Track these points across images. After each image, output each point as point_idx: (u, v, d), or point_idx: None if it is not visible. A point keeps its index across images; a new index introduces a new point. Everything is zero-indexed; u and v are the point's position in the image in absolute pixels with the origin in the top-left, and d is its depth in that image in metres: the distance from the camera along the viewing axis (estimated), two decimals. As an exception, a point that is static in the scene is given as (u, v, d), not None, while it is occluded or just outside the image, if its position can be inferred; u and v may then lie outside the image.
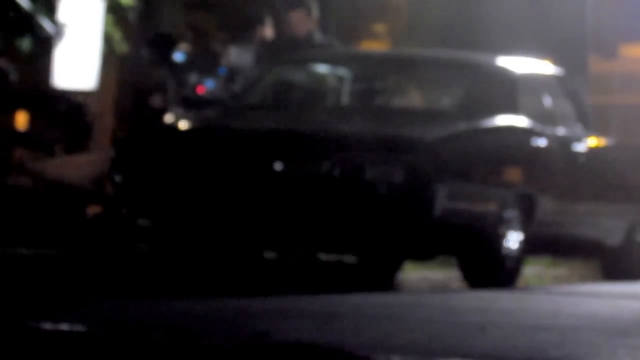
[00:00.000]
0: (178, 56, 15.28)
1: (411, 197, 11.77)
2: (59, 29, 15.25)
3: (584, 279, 13.82)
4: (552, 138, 13.18)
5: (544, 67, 14.44)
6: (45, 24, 15.03)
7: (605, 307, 10.64)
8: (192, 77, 15.12)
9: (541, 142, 13.04)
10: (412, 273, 13.01)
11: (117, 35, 17.44)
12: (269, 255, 13.14)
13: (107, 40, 17.02)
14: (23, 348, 7.27)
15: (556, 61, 15.07)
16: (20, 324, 7.84)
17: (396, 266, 13.25)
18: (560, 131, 13.44)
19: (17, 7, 14.58)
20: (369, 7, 23.00)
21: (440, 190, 11.82)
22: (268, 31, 16.43)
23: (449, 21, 22.92)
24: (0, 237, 12.98)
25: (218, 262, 12.53)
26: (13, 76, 14.75)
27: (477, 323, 8.98)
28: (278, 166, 12.06)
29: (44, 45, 15.11)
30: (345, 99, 13.98)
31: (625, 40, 21.48)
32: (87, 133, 15.89)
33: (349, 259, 13.09)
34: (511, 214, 12.31)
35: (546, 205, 12.70)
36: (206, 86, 14.93)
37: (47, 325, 7.67)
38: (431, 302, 11.17)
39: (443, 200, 11.83)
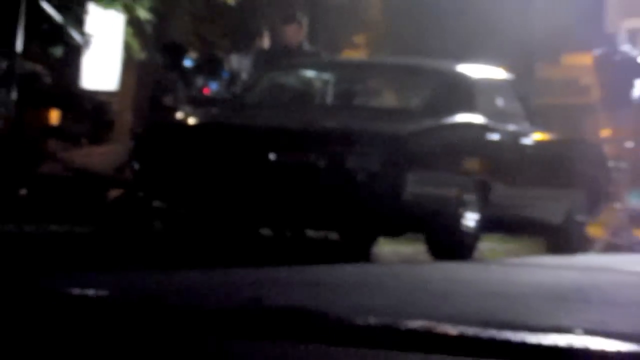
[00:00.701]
0: (187, 62, 15.24)
1: (385, 183, 11.78)
2: (86, 38, 15.21)
3: (530, 252, 13.81)
4: (504, 133, 13.21)
5: (498, 73, 14.45)
6: (74, 34, 14.99)
7: (548, 277, 10.66)
8: (199, 80, 15.08)
9: (495, 137, 13.07)
10: (385, 248, 12.99)
11: (135, 44, 17.39)
12: (265, 232, 13.11)
13: (127, 48, 16.97)
14: (54, 311, 7.30)
15: (508, 68, 15.08)
16: (52, 290, 7.87)
17: (371, 242, 13.26)
18: (511, 127, 13.46)
19: (51, 20, 14.55)
20: (350, 21, 22.97)
21: (409, 177, 11.84)
22: (265, 41, 16.43)
23: (419, 33, 22.87)
24: (35, 216, 12.97)
25: (220, 238, 12.52)
26: (47, 79, 14.70)
27: (440, 290, 8.99)
28: (272, 156, 12.05)
29: (73, 52, 15.07)
30: (329, 100, 13.97)
31: (565, 51, 21.46)
32: (109, 127, 15.87)
33: (333, 235, 13.06)
34: (469, 197, 12.32)
35: (499, 190, 12.72)
36: (211, 88, 14.90)
37: (76, 291, 7.69)
38: (402, 272, 11.18)
39: (411, 185, 11.84)
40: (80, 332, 6.81)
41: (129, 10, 16.78)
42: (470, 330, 7.23)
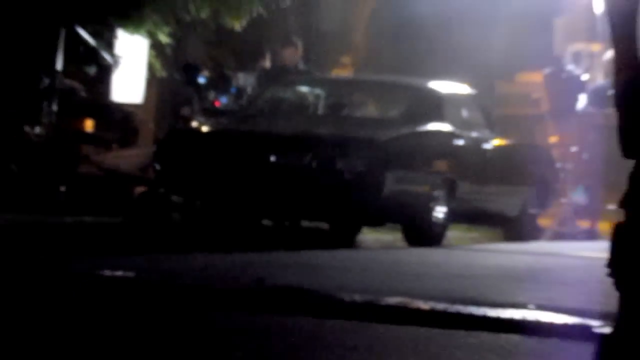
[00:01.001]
0: (201, 79, 15.22)
1: (367, 181, 11.79)
2: (115, 59, 15.20)
3: (490, 240, 13.80)
4: (468, 139, 13.21)
5: (463, 88, 14.45)
6: (106, 56, 14.99)
7: (505, 261, 10.64)
8: (211, 94, 15.07)
9: (460, 142, 13.07)
10: (368, 236, 12.99)
11: (157, 64, 17.37)
12: (266, 222, 13.09)
13: (150, 67, 16.95)
14: (89, 290, 7.27)
15: (472, 84, 15.07)
16: (86, 272, 7.83)
17: (356, 231, 13.25)
18: (474, 134, 13.47)
19: (86, 44, 14.54)
20: (337, 44, 22.92)
21: (388, 176, 11.85)
22: (266, 62, 16.41)
23: (396, 54, 22.86)
24: (72, 208, 12.95)
25: (228, 227, 12.51)
26: (82, 93, 14.69)
27: (414, 272, 8.98)
28: (272, 158, 12.06)
29: (105, 71, 15.06)
30: (321, 111, 13.95)
31: (519, 70, 21.42)
32: (134, 134, 15.85)
33: (323, 225, 13.04)
34: (438, 193, 12.33)
35: (463, 187, 12.72)
36: (221, 101, 14.90)
37: (106, 273, 7.66)
38: (382, 257, 11.17)
39: (390, 183, 11.85)
40: (109, 307, 6.78)
41: (151, 35, 16.77)
42: (440, 306, 7.22)
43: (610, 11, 3.40)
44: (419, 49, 22.38)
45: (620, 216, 3.45)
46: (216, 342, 5.73)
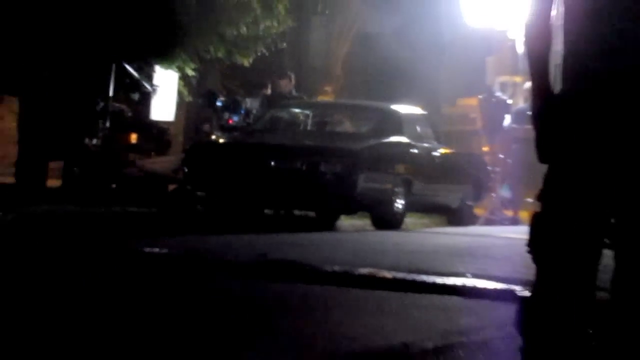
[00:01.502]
0: (218, 103, 15.20)
1: (345, 180, 11.79)
2: (153, 88, 15.21)
3: (437, 224, 13.81)
4: (421, 148, 13.22)
5: (417, 110, 14.47)
6: (146, 85, 14.98)
7: (449, 240, 10.64)
8: (225, 115, 15.05)
9: (415, 150, 13.07)
10: (345, 221, 12.99)
11: (185, 91, 17.39)
12: (268, 211, 13.09)
13: (179, 94, 16.97)
14: (135, 263, 7.27)
15: (423, 107, 15.10)
16: (131, 249, 7.83)
17: (336, 217, 13.25)
18: (425, 144, 13.48)
19: (131, 76, 14.54)
20: (321, 76, 22.96)
21: (360, 176, 11.86)
22: (268, 90, 16.40)
23: (366, 84, 22.91)
24: (120, 201, 12.93)
25: (239, 215, 12.49)
26: (128, 114, 14.70)
27: (380, 249, 8.98)
28: (272, 163, 12.06)
29: (145, 96, 15.06)
30: (309, 127, 13.93)
31: (459, 96, 21.46)
32: (168, 145, 15.85)
33: (311, 214, 13.04)
34: (398, 189, 12.34)
35: (417, 185, 12.72)
36: (233, 119, 14.87)
37: (147, 249, 7.66)
38: (355, 237, 11.17)
39: (361, 182, 11.86)
40: (151, 276, 6.74)
41: (180, 69, 16.77)
42: (400, 275, 7.18)
43: (528, 52, 3.40)
44: (384, 80, 22.42)
45: (537, 207, 3.44)
46: (230, 301, 5.77)
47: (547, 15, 3.33)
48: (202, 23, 16.36)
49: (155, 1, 14.75)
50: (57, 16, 13.29)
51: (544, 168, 3.40)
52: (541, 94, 3.35)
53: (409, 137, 13.15)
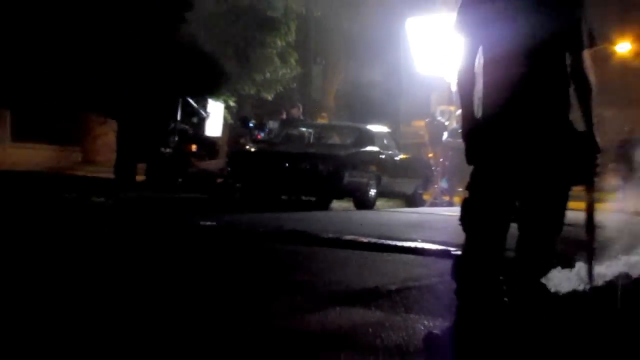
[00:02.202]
0: (250, 124, 15.18)
1: (335, 176, 11.74)
2: (207, 114, 15.12)
3: (399, 206, 13.77)
4: (387, 154, 13.13)
5: (384, 128, 14.41)
6: (202, 112, 14.92)
7: (406, 217, 10.61)
8: (255, 132, 15.02)
9: (383, 156, 12.99)
10: (335, 204, 12.96)
11: (228, 116, 17.33)
12: (284, 197, 13.06)
13: (224, 117, 16.92)
14: (195, 232, 7.26)
15: (389, 126, 15.08)
16: (192, 222, 7.82)
17: (329, 201, 13.19)
18: (390, 152, 13.37)
19: (192, 106, 14.50)
20: (319, 106, 22.92)
21: (346, 173, 11.80)
22: (283, 115, 16.37)
23: (350, 111, 22.88)
24: (184, 190, 12.91)
25: (264, 200, 12.46)
26: (190, 131, 14.63)
27: (358, 222, 8.97)
28: (287, 165, 12.01)
29: (202, 120, 14.99)
30: (311, 141, 13.87)
31: (412, 119, 21.45)
32: (216, 152, 15.76)
33: (312, 199, 13.01)
34: (372, 182, 12.28)
35: (385, 179, 12.65)
36: (260, 135, 14.83)
37: (202, 222, 7.65)
38: (342, 214, 11.14)
39: (347, 177, 11.79)
40: (205, 240, 6.67)
41: (225, 101, 16.73)
42: (373, 240, 7.13)
43: (459, 90, 3.40)
44: (362, 108, 22.37)
45: (465, 194, 3.43)
46: (258, 257, 5.79)
47: (472, 66, 3.33)
48: (240, 71, 16.35)
49: (208, 58, 14.73)
50: (144, 69, 13.28)
51: (469, 168, 3.40)
52: (468, 119, 3.35)
53: (379, 147, 13.10)
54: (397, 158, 13.61)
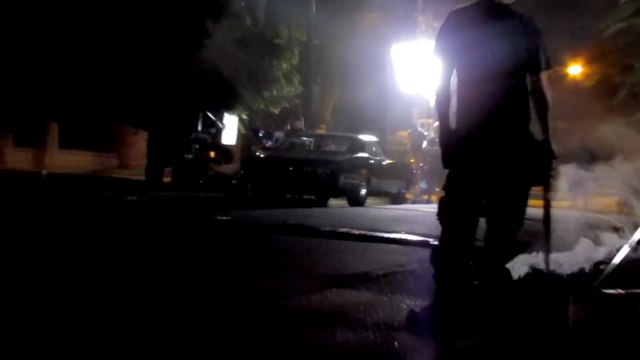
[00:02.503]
0: (260, 134, 15.15)
1: (332, 177, 11.73)
2: (224, 125, 15.05)
3: (385, 203, 13.76)
4: (375, 160, 13.11)
5: (373, 137, 14.39)
6: (219, 123, 14.86)
7: (391, 212, 10.61)
8: (264, 140, 14.99)
9: (372, 161, 12.96)
10: (332, 201, 12.94)
11: (241, 127, 17.28)
12: (289, 196, 13.05)
13: (238, 129, 16.88)
14: (212, 224, 7.25)
15: (377, 135, 15.06)
16: (205, 217, 7.81)
17: (326, 199, 13.16)
18: (378, 157, 13.36)
19: (210, 118, 14.43)
20: (318, 118, 22.88)
21: (341, 175, 11.79)
22: (288, 126, 16.34)
23: (345, 122, 22.85)
24: (204, 190, 12.87)
25: (272, 199, 12.44)
26: (209, 140, 14.56)
27: (351, 217, 8.96)
28: (291, 168, 11.99)
29: (219, 130, 14.93)
30: (311, 148, 13.86)
31: (397, 130, 21.43)
32: (231, 158, 15.71)
33: (312, 197, 13.00)
34: (363, 182, 12.26)
35: (373, 180, 12.64)
36: (268, 144, 14.80)
37: (220, 217, 7.64)
38: (338, 211, 11.10)
39: (342, 179, 11.78)
40: (220, 231, 6.66)
41: (238, 115, 16.69)
42: (363, 232, 7.10)
43: (437, 105, 3.39)
44: (355, 120, 22.32)
45: (442, 193, 3.43)
46: (264, 246, 5.76)
47: (448, 86, 3.32)
48: (251, 89, 16.32)
49: (224, 78, 14.68)
50: (170, 88, 13.23)
51: (445, 171, 3.40)
52: (444, 130, 3.35)
53: (368, 153, 13.08)
54: (383, 163, 13.59)
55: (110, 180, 14.02)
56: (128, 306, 3.28)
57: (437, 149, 3.65)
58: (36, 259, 4.49)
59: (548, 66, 3.34)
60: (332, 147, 14.09)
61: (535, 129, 3.33)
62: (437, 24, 3.51)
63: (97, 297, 3.43)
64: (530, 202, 3.35)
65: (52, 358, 2.50)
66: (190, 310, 3.28)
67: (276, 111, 18.29)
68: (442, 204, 3.37)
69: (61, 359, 2.49)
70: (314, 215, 8.84)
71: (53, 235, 5.78)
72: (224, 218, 7.63)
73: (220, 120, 15.20)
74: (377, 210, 11.27)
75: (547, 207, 3.44)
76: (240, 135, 17.75)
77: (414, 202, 14.69)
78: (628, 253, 4.70)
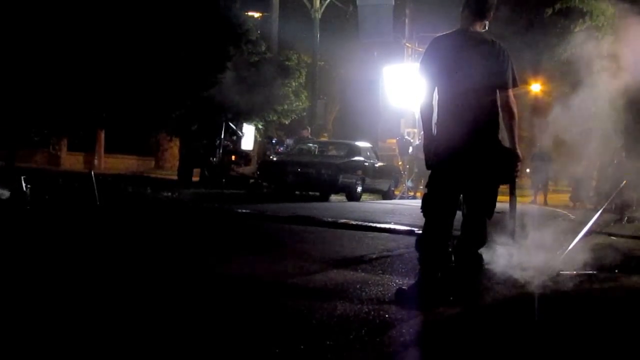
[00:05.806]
0: (274, 141, 15.13)
1: (333, 178, 11.72)
2: (243, 133, 15.01)
3: (377, 199, 13.74)
4: (369, 163, 13.04)
5: (367, 144, 14.35)
6: (239, 132, 14.82)
7: (383, 206, 10.60)
8: (276, 146, 14.96)
9: (366, 164, 12.91)
10: (333, 197, 12.92)
11: (258, 135, 17.26)
12: (297, 193, 13.02)
13: (255, 136, 16.85)
14: (233, 216, 7.24)
15: (370, 142, 15.01)
16: (228, 210, 7.81)
17: (328, 195, 13.12)
18: (371, 160, 13.29)
19: (231, 127, 14.40)
20: (322, 128, 22.81)
21: (340, 176, 11.78)
22: (298, 135, 16.31)
23: (344, 130, 22.80)
24: (227, 188, 12.86)
25: (283, 195, 12.42)
26: (230, 146, 14.52)
27: (349, 210, 8.95)
28: (299, 170, 11.97)
29: (239, 138, 14.88)
30: (316, 153, 13.82)
31: (387, 137, 21.38)
32: (250, 161, 15.66)
33: (317, 194, 12.97)
34: (358, 181, 12.24)
35: (368, 180, 12.60)
36: (280, 149, 14.78)
37: (238, 210, 7.63)
38: (338, 205, 11.06)
39: (341, 178, 11.77)
40: (241, 222, 6.63)
41: (255, 125, 16.65)
42: (359, 222, 7.08)
43: (421, 116, 3.39)
44: (352, 130, 22.26)
45: (425, 190, 3.43)
46: (276, 234, 5.74)
47: (430, 100, 3.32)
48: (265, 104, 16.28)
49: (243, 95, 14.64)
50: (199, 103, 13.19)
51: (428, 172, 3.40)
52: (427, 137, 3.34)
53: (363, 157, 13.04)
54: (376, 165, 13.57)
55: (148, 179, 14.02)
56: (164, 273, 3.35)
57: (422, 153, 3.65)
58: (96, 237, 4.52)
59: (515, 84, 3.35)
60: (333, 152, 14.07)
61: (503, 136, 3.33)
62: (422, 49, 3.52)
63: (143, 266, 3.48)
64: (499, 197, 3.36)
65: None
66: (213, 278, 3.36)
67: (287, 122, 18.28)
68: (425, 199, 3.38)
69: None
70: (318, 209, 8.84)
71: (108, 222, 5.86)
72: (243, 211, 7.64)
73: (240, 129, 15.18)
74: (370, 205, 11.26)
75: (512, 202, 3.44)
76: (256, 142, 17.74)
77: (401, 198, 14.67)
78: (580, 240, 4.71)
